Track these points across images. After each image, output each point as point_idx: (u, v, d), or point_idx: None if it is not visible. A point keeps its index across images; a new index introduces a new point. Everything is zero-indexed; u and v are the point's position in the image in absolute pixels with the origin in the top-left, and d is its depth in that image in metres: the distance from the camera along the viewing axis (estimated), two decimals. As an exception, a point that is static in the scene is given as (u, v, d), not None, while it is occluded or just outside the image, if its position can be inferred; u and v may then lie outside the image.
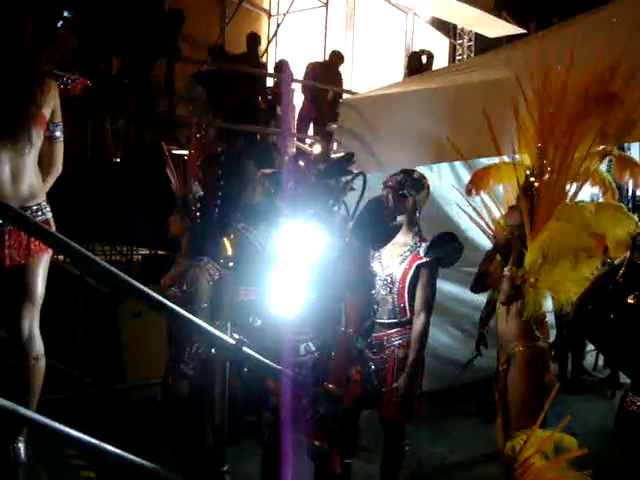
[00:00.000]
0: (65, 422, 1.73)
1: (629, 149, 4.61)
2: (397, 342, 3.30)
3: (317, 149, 2.92)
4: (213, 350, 2.74)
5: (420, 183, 3.43)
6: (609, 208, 2.98)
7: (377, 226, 2.87)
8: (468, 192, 3.56)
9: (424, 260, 3.22)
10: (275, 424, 2.75)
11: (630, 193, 5.43)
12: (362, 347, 3.01)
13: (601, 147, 3.12)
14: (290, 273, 2.69)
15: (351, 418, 3.17)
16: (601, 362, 6.15)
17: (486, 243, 5.03)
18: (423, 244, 3.30)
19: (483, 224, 3.56)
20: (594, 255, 2.86)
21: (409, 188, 3.34)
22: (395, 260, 3.33)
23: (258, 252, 3.05)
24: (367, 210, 2.82)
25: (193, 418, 3.07)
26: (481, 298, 4.76)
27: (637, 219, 3.11)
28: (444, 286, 5.42)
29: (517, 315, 2.97)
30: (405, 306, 3.30)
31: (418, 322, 3.20)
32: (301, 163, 2.78)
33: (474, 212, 3.62)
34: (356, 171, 2.85)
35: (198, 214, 3.13)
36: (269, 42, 9.20)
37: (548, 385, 3.12)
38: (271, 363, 2.62)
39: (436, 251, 3.24)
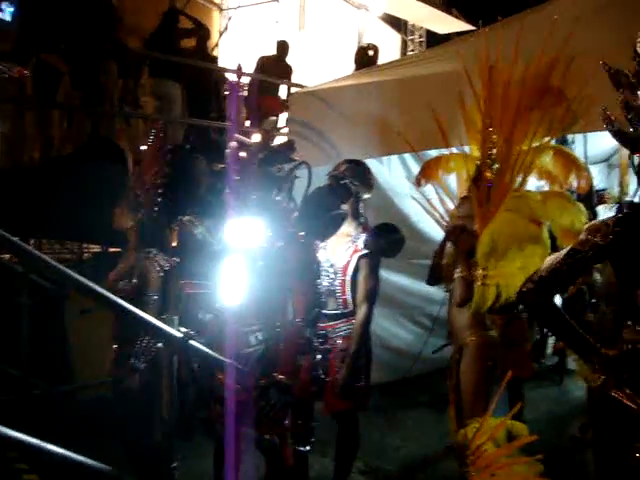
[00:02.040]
0: (8, 424, 1.66)
1: (573, 142, 4.73)
2: (341, 333, 3.31)
3: (256, 138, 2.91)
4: (160, 344, 2.70)
5: (363, 173, 3.44)
6: (556, 197, 3.02)
7: (322, 216, 2.87)
8: (417, 183, 3.57)
9: (365, 251, 3.22)
10: (226, 418, 2.71)
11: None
12: (311, 337, 3.01)
13: (547, 139, 3.18)
14: (237, 264, 2.67)
15: (305, 408, 3.16)
16: (549, 350, 6.30)
17: (438, 235, 5.10)
18: (365, 235, 3.30)
19: (436, 215, 3.58)
20: (540, 244, 2.90)
21: (351, 178, 3.34)
22: (338, 251, 3.33)
23: (203, 246, 3.01)
24: (312, 200, 2.82)
25: (142, 414, 3.00)
26: (432, 290, 4.82)
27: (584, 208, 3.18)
28: (396, 278, 5.49)
29: (474, 310, 2.98)
30: (347, 297, 3.30)
31: (360, 313, 3.21)
32: (243, 154, 2.77)
33: (426, 204, 3.63)
34: (299, 160, 2.84)
35: (155, 207, 3.08)
36: (220, 36, 9.12)
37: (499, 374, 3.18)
38: (219, 356, 2.59)
39: (377, 242, 3.25)
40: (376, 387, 5.23)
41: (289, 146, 2.87)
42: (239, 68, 3.49)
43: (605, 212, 5.56)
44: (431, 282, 3.45)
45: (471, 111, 3.21)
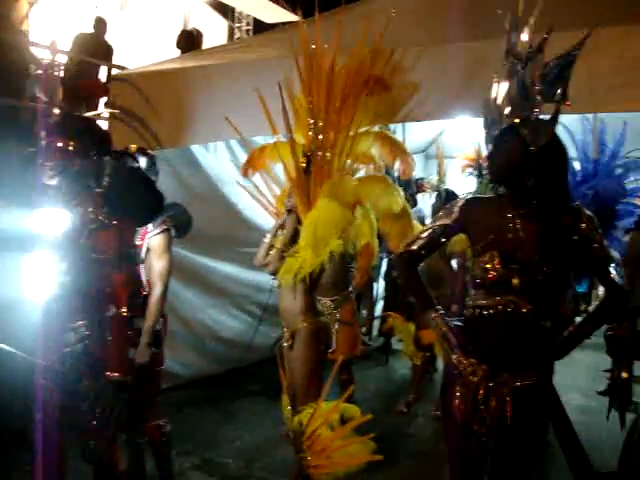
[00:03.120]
0: None
1: (395, 132, 4.94)
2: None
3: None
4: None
5: (153, 162, 3.37)
6: (374, 180, 3.13)
7: (137, 201, 2.74)
8: (244, 172, 3.53)
9: (154, 232, 3.15)
10: (45, 427, 2.48)
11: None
12: (140, 327, 2.86)
13: (375, 127, 3.28)
14: (46, 256, 2.46)
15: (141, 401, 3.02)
16: (375, 332, 6.61)
17: (266, 223, 5.10)
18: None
19: (264, 203, 3.56)
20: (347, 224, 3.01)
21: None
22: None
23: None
24: (126, 184, 2.69)
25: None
26: (261, 278, 4.82)
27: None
28: (224, 267, 5.43)
29: (302, 292, 3.01)
30: (144, 281, 3.19)
31: (153, 293, 3.12)
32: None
33: (254, 191, 3.59)
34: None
35: None
36: (30, 7, 8.34)
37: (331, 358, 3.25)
38: (33, 359, 2.36)
39: (165, 221, 3.18)
40: (208, 379, 5.16)
41: (103, 136, 2.69)
42: (53, 44, 3.19)
43: (424, 199, 5.93)
44: (260, 262, 3.42)
45: (298, 98, 3.21)
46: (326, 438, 2.67)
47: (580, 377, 5.93)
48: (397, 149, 3.33)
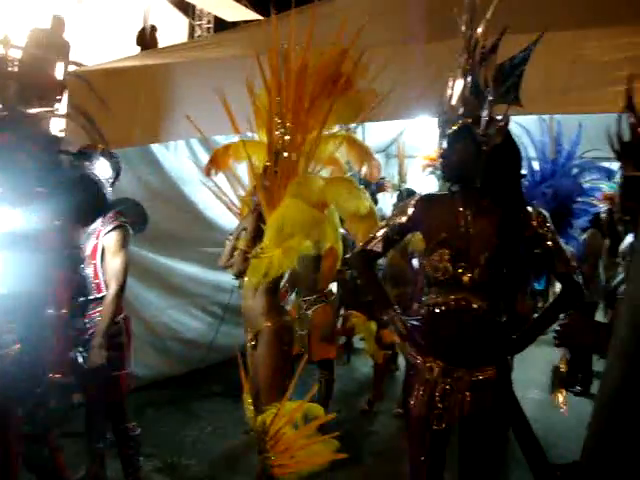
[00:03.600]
0: None
1: (355, 132, 4.95)
2: (97, 319, 3.09)
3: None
4: None
5: (116, 162, 3.33)
6: (340, 182, 3.12)
7: (81, 200, 2.70)
8: (207, 172, 3.48)
9: (108, 228, 3.09)
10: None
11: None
12: (82, 327, 2.79)
13: (338, 127, 3.28)
14: None
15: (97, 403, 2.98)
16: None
17: (227, 222, 5.07)
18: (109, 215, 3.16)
19: (227, 202, 3.53)
20: (324, 227, 3.00)
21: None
22: (88, 235, 3.15)
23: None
24: (71, 184, 2.65)
25: None
26: (222, 277, 4.78)
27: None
28: (184, 267, 5.38)
29: (264, 292, 2.99)
30: (100, 282, 3.13)
31: (109, 292, 3.04)
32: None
33: (216, 190, 3.56)
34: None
35: None
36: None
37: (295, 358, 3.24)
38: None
39: (119, 218, 3.13)
40: (169, 380, 5.10)
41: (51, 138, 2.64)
42: (6, 39, 3.10)
43: (384, 199, 5.96)
44: (225, 263, 3.38)
45: (261, 97, 3.19)
46: (290, 438, 2.67)
47: (536, 372, 6.05)
48: (363, 152, 3.33)
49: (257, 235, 3.00)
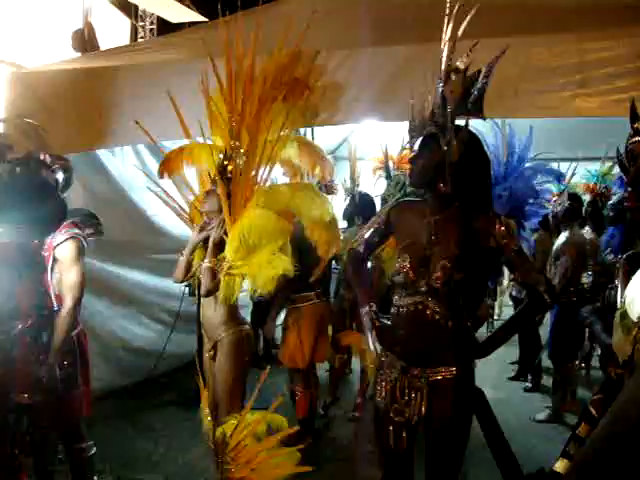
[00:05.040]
0: None
1: (305, 134, 4.93)
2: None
3: None
4: None
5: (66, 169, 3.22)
6: (304, 189, 3.08)
7: (34, 210, 2.60)
8: (160, 175, 3.37)
9: (60, 240, 2.97)
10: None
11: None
12: (49, 342, 2.68)
13: (289, 130, 3.23)
14: None
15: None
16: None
17: (175, 229, 4.97)
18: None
19: (176, 208, 3.44)
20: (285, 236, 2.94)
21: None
22: None
23: None
24: (21, 193, 2.56)
25: None
26: (172, 285, 4.66)
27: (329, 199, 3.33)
28: (133, 275, 5.27)
29: (223, 302, 2.91)
30: (51, 294, 3.01)
31: (64, 307, 2.91)
32: None
33: (166, 197, 3.46)
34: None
35: None
36: None
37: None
38: None
39: (72, 229, 3.02)
40: (119, 391, 4.96)
41: None
42: None
43: (332, 201, 5.94)
44: (180, 279, 3.29)
45: (215, 101, 3.13)
46: (252, 449, 2.62)
47: (489, 370, 6.17)
48: (315, 154, 3.31)
49: (219, 247, 2.92)
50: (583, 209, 5.91)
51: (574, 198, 5.10)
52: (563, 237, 4.91)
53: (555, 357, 5.05)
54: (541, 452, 3.97)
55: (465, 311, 2.27)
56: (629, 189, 1.25)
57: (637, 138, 1.22)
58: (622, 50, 2.64)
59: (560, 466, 1.52)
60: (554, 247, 5.03)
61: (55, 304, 2.93)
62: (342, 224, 5.25)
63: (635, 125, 2.05)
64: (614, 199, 4.80)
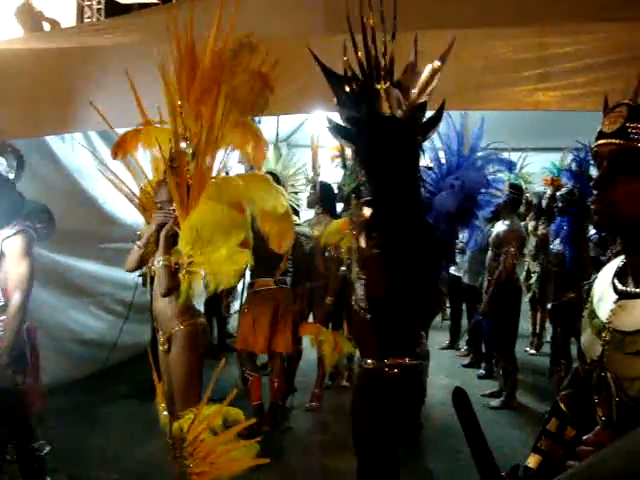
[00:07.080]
0: None
1: (259, 122, 4.83)
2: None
3: None
4: None
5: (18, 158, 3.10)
6: (258, 181, 2.99)
7: None
8: (114, 155, 3.22)
9: (9, 233, 2.87)
10: None
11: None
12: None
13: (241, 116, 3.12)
14: None
15: None
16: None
17: (128, 217, 4.84)
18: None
19: (129, 195, 3.33)
20: (244, 230, 2.85)
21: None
22: None
23: None
24: None
25: None
26: (125, 274, 4.56)
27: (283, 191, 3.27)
28: (84, 265, 5.15)
29: (183, 300, 2.78)
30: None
31: (13, 302, 2.81)
32: None
33: (117, 183, 3.34)
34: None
35: None
36: None
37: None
38: None
39: (21, 222, 2.91)
40: (70, 384, 4.80)
41: None
42: None
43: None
44: (132, 269, 3.18)
45: (168, 85, 3.01)
46: (209, 443, 2.57)
47: (443, 358, 6.28)
48: (250, 133, 3.16)
49: (172, 241, 2.81)
50: (543, 202, 6.09)
51: (515, 188, 5.23)
52: (504, 226, 5.05)
53: (497, 347, 5.22)
54: (497, 438, 4.03)
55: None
56: (595, 192, 1.25)
57: (603, 141, 1.22)
58: (582, 46, 2.66)
59: (532, 461, 1.53)
60: (492, 235, 5.16)
61: (2, 299, 2.81)
62: (309, 213, 5.21)
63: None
64: (563, 190, 4.91)
